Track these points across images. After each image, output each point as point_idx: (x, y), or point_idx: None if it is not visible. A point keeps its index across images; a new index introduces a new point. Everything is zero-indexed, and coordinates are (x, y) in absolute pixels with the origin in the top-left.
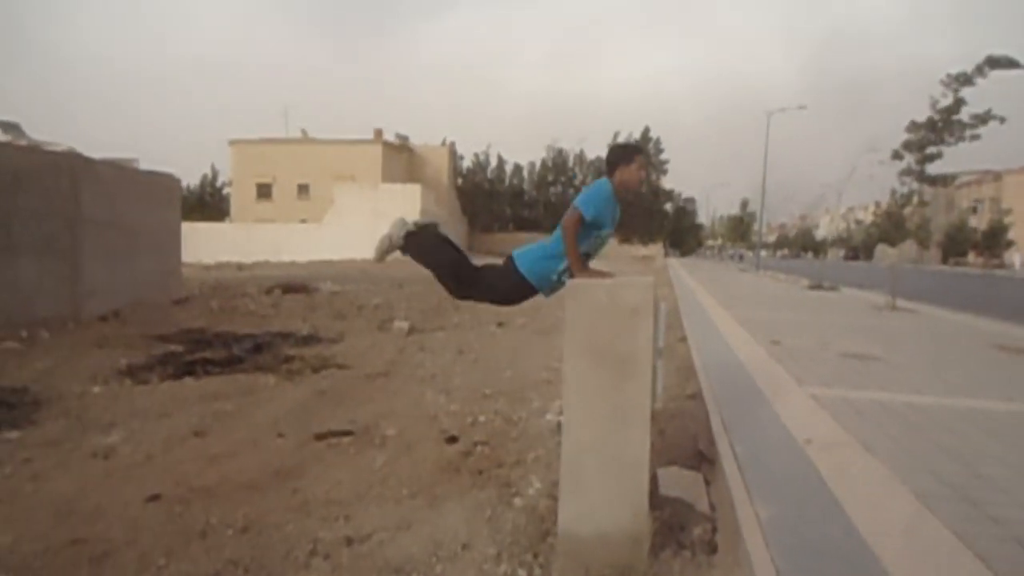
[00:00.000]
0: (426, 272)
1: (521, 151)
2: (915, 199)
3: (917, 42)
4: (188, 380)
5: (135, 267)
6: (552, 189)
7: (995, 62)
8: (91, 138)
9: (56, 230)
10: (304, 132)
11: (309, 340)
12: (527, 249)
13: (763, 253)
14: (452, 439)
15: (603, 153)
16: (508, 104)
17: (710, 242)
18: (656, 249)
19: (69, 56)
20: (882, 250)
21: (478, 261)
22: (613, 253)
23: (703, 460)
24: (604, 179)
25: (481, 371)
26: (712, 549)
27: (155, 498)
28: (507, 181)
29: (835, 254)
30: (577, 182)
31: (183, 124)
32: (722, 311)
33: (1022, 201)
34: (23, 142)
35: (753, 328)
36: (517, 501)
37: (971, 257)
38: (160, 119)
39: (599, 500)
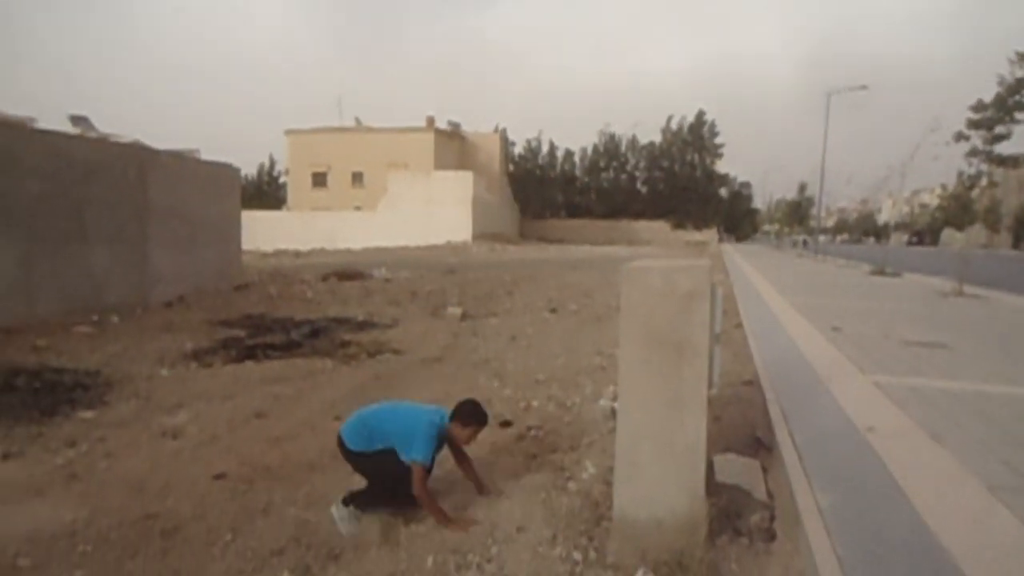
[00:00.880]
0: (477, 259)
1: (573, 137)
2: (984, 180)
3: (981, 18)
4: (249, 364)
5: (198, 255)
6: (604, 174)
7: None
8: (155, 130)
9: (125, 219)
10: (358, 121)
11: (364, 325)
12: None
13: (821, 238)
14: (506, 423)
15: (656, 138)
16: (560, 89)
17: (766, 227)
18: (710, 234)
19: (131, 51)
20: (949, 234)
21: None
22: (665, 239)
23: (760, 447)
24: (444, 421)
25: (534, 357)
26: (770, 537)
27: (221, 476)
28: (559, 167)
29: (898, 239)
30: (629, 167)
31: (242, 115)
32: (779, 297)
33: None
34: (93, 135)
35: (812, 315)
36: (571, 485)
37: None
38: (220, 110)
39: (655, 485)
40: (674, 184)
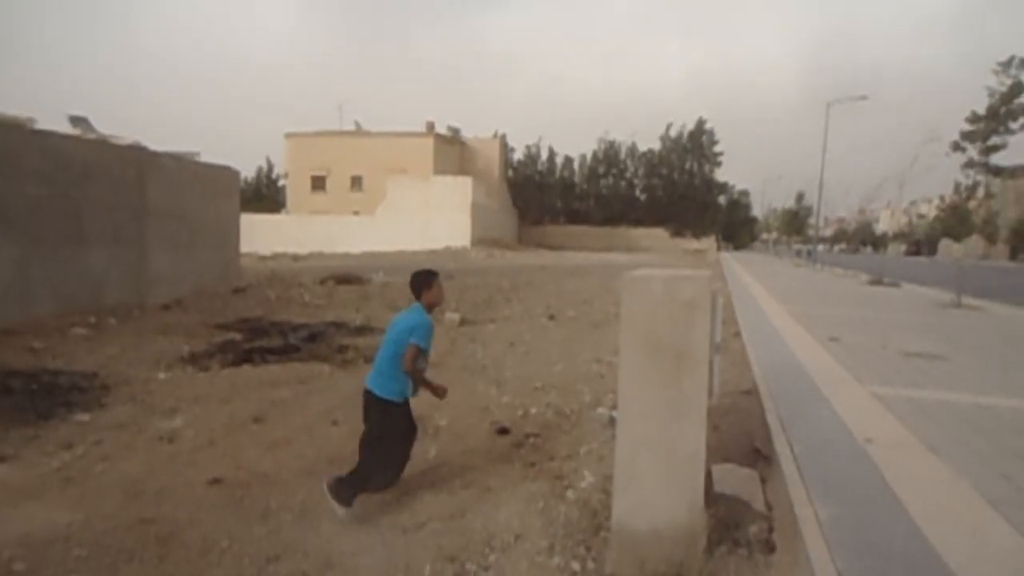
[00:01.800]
0: (476, 265)
1: (573, 144)
2: (980, 192)
3: (977, 29)
4: (246, 368)
5: (196, 257)
6: (603, 181)
7: None
8: (154, 132)
9: (123, 221)
10: (358, 125)
11: (362, 330)
12: (377, 379)
13: (820, 248)
14: (504, 431)
15: (655, 146)
16: (561, 97)
17: (764, 236)
18: (709, 243)
19: (131, 52)
20: (946, 245)
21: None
22: (664, 246)
23: (759, 457)
24: (419, 307)
25: (532, 363)
26: (769, 548)
27: (217, 481)
28: (558, 173)
29: (896, 249)
30: (628, 175)
31: (242, 118)
32: (777, 307)
33: None
34: (92, 136)
35: (810, 324)
36: (570, 494)
37: None
38: (220, 113)
39: (654, 494)
40: (673, 192)
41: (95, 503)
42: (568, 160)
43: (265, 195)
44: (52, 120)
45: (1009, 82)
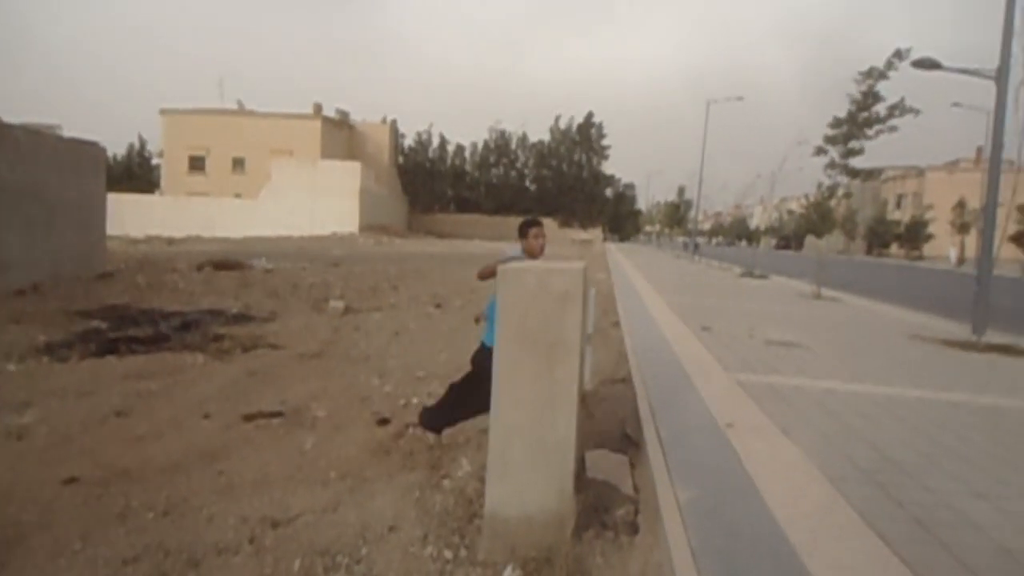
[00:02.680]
0: (364, 252)
1: (464, 132)
2: (840, 192)
3: (851, 38)
4: (111, 358)
5: (56, 239)
6: (494, 170)
7: (917, 63)
8: (7, 102)
9: None
10: (240, 104)
11: (240, 319)
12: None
13: (700, 241)
14: (384, 421)
15: (545, 137)
16: (452, 85)
17: (648, 228)
18: (595, 233)
19: None
20: (811, 240)
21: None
22: (552, 236)
23: (630, 443)
24: (521, 253)
25: (416, 353)
26: (634, 530)
27: (72, 481)
28: (449, 161)
29: (768, 243)
30: (519, 164)
31: (110, 90)
32: (656, 297)
33: (942, 196)
34: None
35: (685, 314)
36: (446, 483)
37: (894, 249)
38: (85, 84)
39: (525, 483)
40: (562, 183)
41: None
42: (460, 148)
43: (137, 174)
44: None
45: (866, 90)
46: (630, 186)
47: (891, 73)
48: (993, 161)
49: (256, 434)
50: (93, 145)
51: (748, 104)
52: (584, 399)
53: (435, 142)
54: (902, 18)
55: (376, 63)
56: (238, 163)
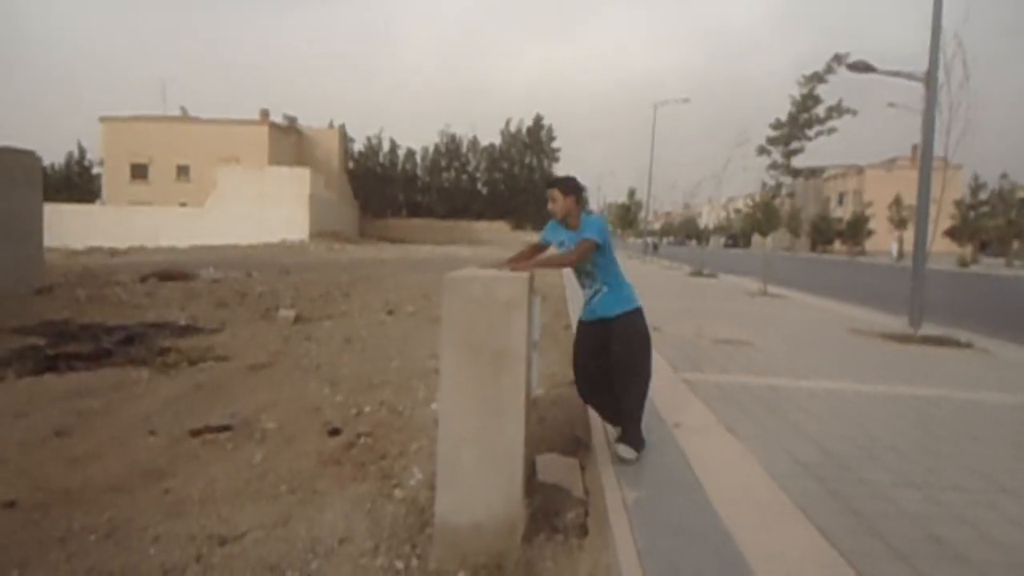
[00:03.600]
0: (315, 259)
1: (414, 137)
2: (783, 191)
3: (789, 43)
4: (49, 376)
5: None
6: (445, 174)
7: (852, 65)
8: None
9: None
10: (184, 110)
11: (187, 330)
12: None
13: (649, 240)
14: (335, 431)
15: (496, 140)
16: (401, 89)
17: None
18: None
19: None
20: (757, 239)
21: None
22: (505, 239)
23: (580, 446)
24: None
25: (369, 361)
26: (584, 532)
27: (10, 505)
28: (400, 166)
29: (716, 241)
30: (470, 168)
31: (44, 97)
32: None
33: (881, 193)
34: None
35: None
36: (398, 493)
37: (836, 245)
38: (19, 92)
39: (475, 490)
40: (513, 185)
41: None
42: (410, 152)
43: (77, 184)
44: None
45: (806, 93)
46: (582, 188)
47: (830, 77)
48: (924, 159)
49: (203, 450)
50: (26, 154)
51: (695, 104)
52: (535, 403)
53: (385, 147)
54: (842, 23)
55: (325, 69)
56: (183, 171)
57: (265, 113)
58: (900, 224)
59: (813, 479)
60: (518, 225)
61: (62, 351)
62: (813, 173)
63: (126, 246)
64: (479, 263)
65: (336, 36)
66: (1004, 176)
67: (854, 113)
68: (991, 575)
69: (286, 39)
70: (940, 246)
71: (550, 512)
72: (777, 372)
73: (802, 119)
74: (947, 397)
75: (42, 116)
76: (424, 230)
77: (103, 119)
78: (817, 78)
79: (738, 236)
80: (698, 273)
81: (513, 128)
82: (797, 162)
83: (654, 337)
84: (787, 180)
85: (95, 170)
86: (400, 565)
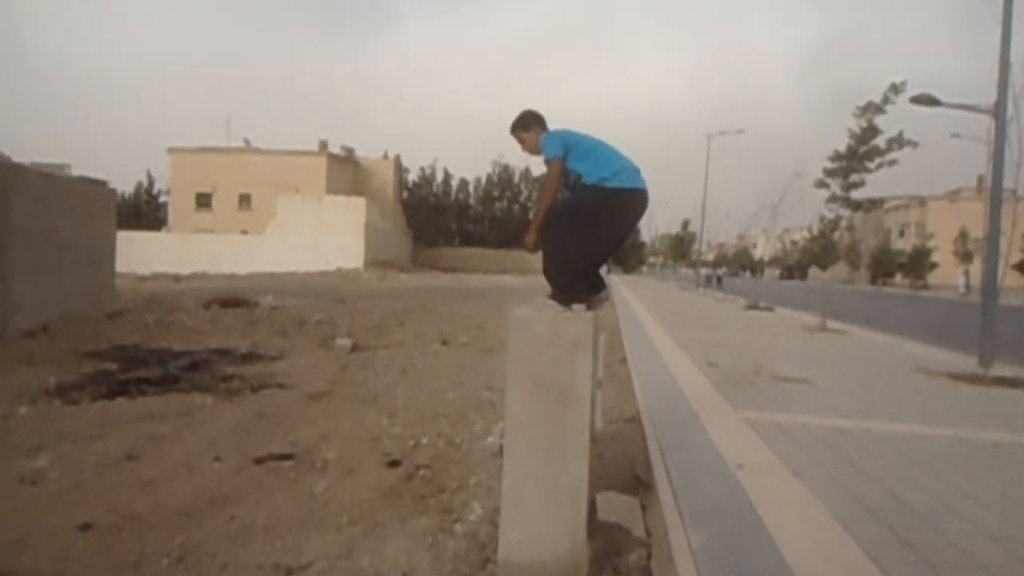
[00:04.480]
0: (369, 288)
1: (467, 167)
2: (842, 224)
3: (846, 70)
4: (121, 400)
5: (66, 279)
6: (498, 204)
7: (916, 98)
8: (19, 141)
9: None
10: (247, 141)
11: (249, 358)
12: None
13: (703, 271)
14: (394, 463)
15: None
16: (455, 120)
17: (651, 259)
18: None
19: None
20: (815, 271)
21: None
22: None
23: (640, 484)
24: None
25: (424, 391)
26: (647, 575)
27: (86, 527)
28: (453, 196)
29: (771, 273)
30: (523, 198)
31: (118, 129)
32: (662, 332)
33: (944, 225)
34: None
35: (691, 349)
36: (458, 528)
37: (898, 278)
38: (94, 123)
39: (539, 528)
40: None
41: None
42: (463, 182)
43: (145, 212)
44: None
45: (865, 124)
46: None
47: (887, 107)
48: (994, 193)
49: (267, 477)
50: (103, 186)
51: (751, 135)
52: (595, 440)
53: (439, 177)
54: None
55: (382, 100)
56: (244, 200)
57: (324, 144)
58: (966, 257)
59: (885, 527)
60: None
61: (132, 375)
62: (873, 204)
63: (189, 272)
64: (528, 291)
65: (391, 69)
66: None
67: (915, 145)
68: None
69: (344, 72)
70: (1009, 280)
71: (612, 553)
72: (840, 413)
73: (861, 151)
74: (1022, 443)
75: (114, 147)
76: (476, 259)
77: (171, 150)
78: (874, 108)
79: (794, 268)
80: (754, 306)
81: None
82: (857, 193)
83: (711, 372)
84: (846, 213)
85: (162, 199)
86: None
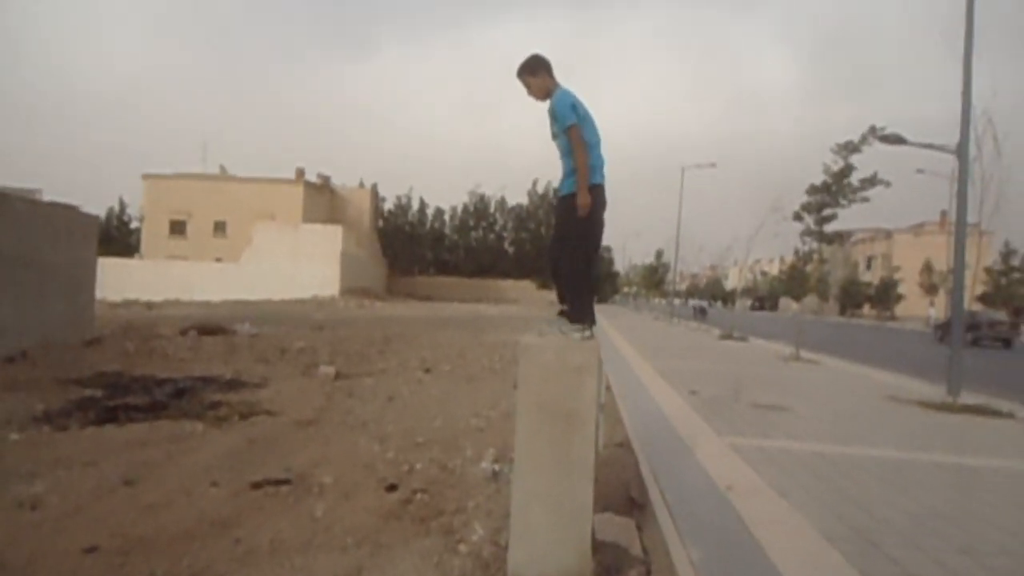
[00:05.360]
0: (346, 315)
1: (443, 196)
2: (815, 257)
3: (816, 108)
4: (110, 427)
5: (45, 306)
6: (473, 234)
7: (884, 137)
8: None
9: None
10: (223, 168)
11: (233, 385)
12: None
13: (676, 301)
14: (392, 487)
15: (524, 200)
16: (431, 149)
17: (625, 289)
18: None
19: None
20: (786, 302)
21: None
22: (531, 298)
23: (634, 506)
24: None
25: (412, 418)
26: None
27: (93, 549)
28: (428, 224)
29: (743, 303)
30: (498, 228)
31: (90, 153)
32: (642, 361)
33: (910, 258)
34: None
35: (672, 378)
36: (462, 548)
37: (865, 309)
38: (66, 149)
39: (546, 545)
40: (540, 245)
41: None
42: (439, 211)
43: (115, 237)
44: None
45: (842, 163)
46: (607, 248)
47: (864, 147)
48: (958, 230)
49: (266, 501)
50: (85, 214)
51: (722, 169)
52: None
53: (415, 205)
54: (868, 93)
55: (358, 129)
56: (219, 227)
57: (300, 172)
58: (931, 290)
59: (868, 543)
60: (544, 284)
61: (120, 402)
62: (840, 237)
63: (161, 299)
64: (504, 319)
65: (369, 96)
66: None
67: (888, 184)
68: None
69: (322, 100)
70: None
71: (611, 570)
72: (819, 438)
73: (834, 188)
74: (991, 466)
75: (87, 171)
76: (451, 288)
77: (146, 176)
78: (851, 148)
79: (764, 298)
80: (728, 336)
81: (540, 188)
82: (828, 228)
83: (692, 400)
84: (818, 246)
85: (134, 224)
86: None
